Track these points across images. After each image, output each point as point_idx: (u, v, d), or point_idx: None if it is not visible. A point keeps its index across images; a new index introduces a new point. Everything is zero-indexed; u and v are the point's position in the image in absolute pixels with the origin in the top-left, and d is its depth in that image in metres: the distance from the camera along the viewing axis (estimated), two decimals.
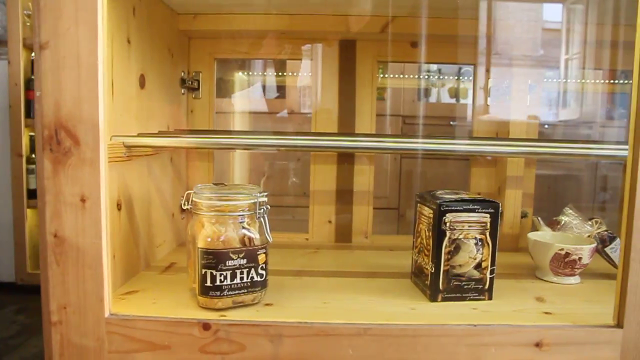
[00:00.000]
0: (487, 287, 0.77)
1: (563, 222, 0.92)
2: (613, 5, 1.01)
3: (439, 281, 0.76)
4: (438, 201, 0.75)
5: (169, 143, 0.84)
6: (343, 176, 1.09)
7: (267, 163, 1.74)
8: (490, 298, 0.77)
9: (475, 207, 0.75)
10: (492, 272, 0.77)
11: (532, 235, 0.89)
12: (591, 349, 0.62)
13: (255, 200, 0.72)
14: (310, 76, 1.08)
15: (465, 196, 0.78)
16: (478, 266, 0.76)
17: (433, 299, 0.76)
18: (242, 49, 1.08)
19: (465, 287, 0.76)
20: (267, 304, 0.73)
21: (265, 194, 0.74)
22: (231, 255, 0.70)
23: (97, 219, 0.61)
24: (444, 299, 0.76)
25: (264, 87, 1.84)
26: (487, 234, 0.76)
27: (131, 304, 0.71)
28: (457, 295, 0.76)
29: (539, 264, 0.88)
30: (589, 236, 0.91)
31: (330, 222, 1.10)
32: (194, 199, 0.72)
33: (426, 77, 1.99)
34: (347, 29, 1.01)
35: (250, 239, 0.71)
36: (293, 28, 1.03)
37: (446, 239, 0.75)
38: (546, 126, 1.65)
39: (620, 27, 1.04)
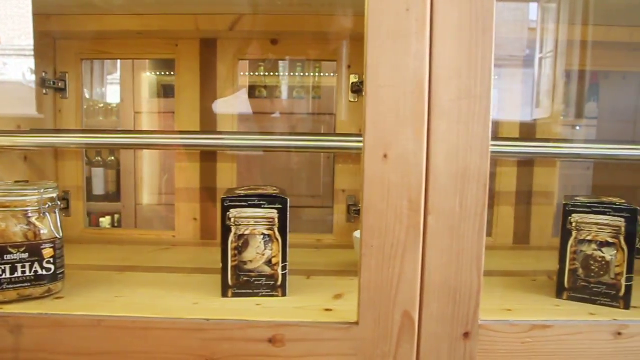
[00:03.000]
0: (279, 283, 0.76)
1: None
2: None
3: (227, 277, 0.76)
4: (222, 197, 0.75)
5: None
6: (206, 174, 1.10)
7: (169, 162, 1.76)
8: (284, 294, 0.76)
9: (261, 202, 0.75)
10: (284, 268, 0.76)
11: (357, 234, 0.88)
12: (327, 346, 0.61)
13: (40, 196, 0.74)
14: (174, 75, 1.09)
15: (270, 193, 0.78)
16: (269, 262, 0.76)
17: (224, 294, 0.76)
18: (108, 50, 1.11)
19: (256, 283, 0.76)
20: (58, 297, 0.75)
21: (52, 189, 0.75)
22: (10, 249, 0.72)
23: None
24: (235, 295, 0.76)
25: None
26: (276, 229, 0.75)
27: None
28: (248, 291, 0.76)
29: None
30: None
31: (195, 219, 1.11)
32: None
33: (291, 74, 1.95)
34: (196, 28, 1.02)
35: (35, 233, 0.73)
36: (152, 28, 1.05)
37: (232, 234, 0.75)
38: None
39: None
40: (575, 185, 1.45)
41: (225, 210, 0.74)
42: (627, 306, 0.74)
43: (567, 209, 0.77)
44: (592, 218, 0.76)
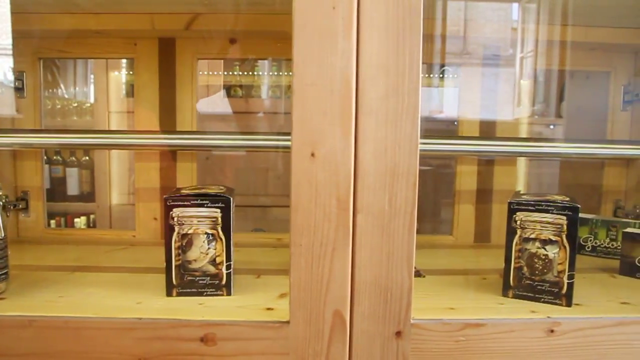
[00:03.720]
0: (224, 282, 0.76)
1: None
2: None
3: (171, 276, 0.75)
4: (165, 196, 0.75)
5: None
6: (166, 173, 1.10)
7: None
8: (229, 294, 0.76)
9: (204, 202, 0.75)
10: (228, 267, 0.76)
11: None
12: (260, 345, 0.61)
13: None
14: (133, 75, 1.09)
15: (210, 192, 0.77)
16: (213, 261, 0.76)
17: (168, 293, 0.76)
18: (66, 49, 1.10)
19: (201, 282, 0.76)
20: (0, 298, 0.74)
21: None
22: None
23: None
24: (180, 294, 0.76)
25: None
26: (219, 228, 0.75)
27: None
28: (193, 290, 0.76)
29: None
30: None
31: (155, 219, 1.11)
32: None
33: (251, 73, 1.94)
34: (153, 27, 1.02)
35: None
36: (110, 27, 1.04)
37: (175, 233, 0.75)
38: None
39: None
40: (545, 183, 1.45)
41: (168, 209, 0.74)
42: (569, 303, 0.74)
43: (512, 207, 0.77)
44: (536, 216, 0.76)
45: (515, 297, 0.78)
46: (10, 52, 1.08)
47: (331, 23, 0.57)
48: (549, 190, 1.35)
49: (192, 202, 0.74)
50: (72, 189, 1.89)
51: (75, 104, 1.90)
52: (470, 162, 1.13)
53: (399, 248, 0.59)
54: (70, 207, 1.88)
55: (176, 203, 0.74)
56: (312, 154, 0.58)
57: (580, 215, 1.07)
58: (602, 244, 1.03)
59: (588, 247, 1.06)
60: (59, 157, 1.91)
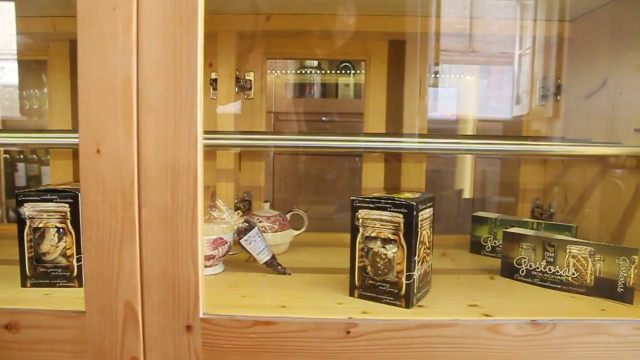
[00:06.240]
0: (75, 274, 0.79)
1: (214, 213, 0.91)
2: None
3: (25, 268, 0.79)
4: (16, 192, 0.79)
5: None
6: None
7: None
8: (80, 285, 0.79)
9: (54, 197, 0.78)
10: (79, 260, 0.79)
11: None
12: (60, 333, 0.63)
13: None
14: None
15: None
16: (65, 254, 0.79)
17: (23, 284, 0.79)
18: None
19: (52, 274, 0.79)
20: None
21: None
22: None
23: None
24: (34, 285, 0.79)
25: None
26: (68, 222, 0.78)
27: None
28: (46, 281, 0.79)
29: None
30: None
31: None
32: None
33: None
34: (54, 30, 1.07)
35: None
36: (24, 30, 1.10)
37: (27, 227, 0.79)
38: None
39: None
40: (457, 181, 1.41)
41: (19, 204, 0.78)
42: (407, 305, 0.72)
43: (354, 204, 0.76)
44: (376, 214, 0.75)
45: (361, 297, 0.76)
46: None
47: (112, 24, 0.58)
48: (451, 190, 1.31)
49: (42, 197, 0.78)
50: None
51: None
52: (378, 159, 1.12)
53: (183, 242, 0.60)
54: None
55: (27, 198, 0.78)
56: (98, 151, 0.60)
57: (480, 214, 1.05)
58: (501, 244, 0.99)
59: (488, 248, 1.02)
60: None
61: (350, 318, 0.64)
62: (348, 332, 0.62)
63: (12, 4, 1.08)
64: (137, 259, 0.61)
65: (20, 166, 1.94)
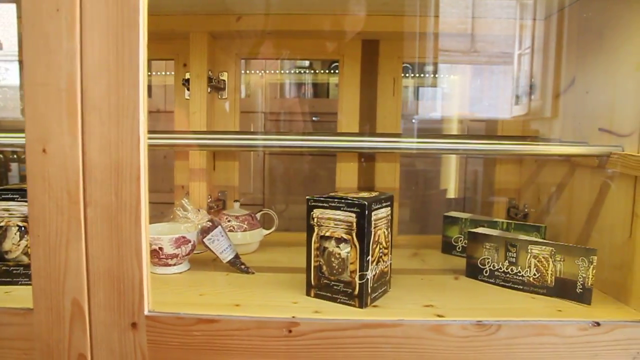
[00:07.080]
0: None
1: (179, 213, 0.92)
2: None
3: None
4: None
5: None
6: None
7: None
8: None
9: (15, 196, 0.79)
10: None
11: None
12: (9, 330, 0.64)
13: None
14: None
15: None
16: (27, 253, 0.80)
17: None
18: None
19: (15, 272, 0.80)
20: None
21: None
22: None
23: None
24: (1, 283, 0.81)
25: None
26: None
27: None
28: (8, 279, 0.81)
29: None
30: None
31: None
32: None
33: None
34: None
35: None
36: None
37: None
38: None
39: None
40: (433, 180, 1.40)
41: None
42: (361, 305, 0.72)
43: (309, 204, 0.76)
44: (330, 213, 0.75)
45: (317, 296, 0.76)
46: None
47: (56, 24, 0.59)
48: (435, 190, 1.30)
49: (3, 196, 0.79)
50: None
51: None
52: (352, 159, 1.12)
53: (127, 241, 0.61)
54: None
55: None
56: (44, 150, 0.60)
57: (451, 214, 1.04)
58: None
59: (459, 248, 1.01)
60: None
61: (293, 317, 0.64)
62: (290, 331, 0.62)
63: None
64: (83, 257, 0.62)
65: (14, 166, 1.97)
